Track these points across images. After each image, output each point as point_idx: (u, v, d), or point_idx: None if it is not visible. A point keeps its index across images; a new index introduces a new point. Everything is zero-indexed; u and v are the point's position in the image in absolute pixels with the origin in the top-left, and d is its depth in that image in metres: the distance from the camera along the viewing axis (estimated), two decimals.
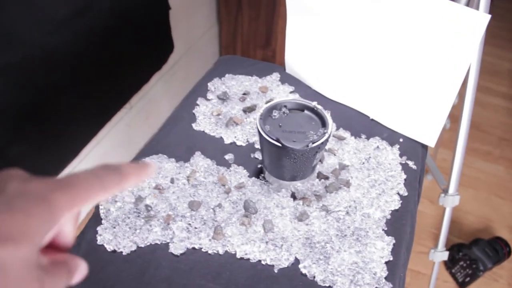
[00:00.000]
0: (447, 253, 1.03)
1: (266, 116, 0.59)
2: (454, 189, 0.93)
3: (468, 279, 1.31)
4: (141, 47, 1.49)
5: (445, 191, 0.94)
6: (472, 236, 1.43)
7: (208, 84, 0.81)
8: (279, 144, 0.55)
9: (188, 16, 1.78)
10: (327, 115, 0.59)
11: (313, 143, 0.55)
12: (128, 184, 0.30)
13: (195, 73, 1.99)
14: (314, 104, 0.61)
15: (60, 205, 0.26)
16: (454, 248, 1.37)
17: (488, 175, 1.74)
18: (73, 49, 1.12)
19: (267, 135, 0.56)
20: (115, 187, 0.29)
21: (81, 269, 0.30)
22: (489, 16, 0.58)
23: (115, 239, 0.58)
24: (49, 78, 1.08)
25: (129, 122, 1.57)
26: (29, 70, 1.00)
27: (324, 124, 0.59)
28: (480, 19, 0.58)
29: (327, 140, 0.57)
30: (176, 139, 0.71)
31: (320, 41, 0.76)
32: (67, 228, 0.30)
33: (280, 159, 0.58)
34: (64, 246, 0.30)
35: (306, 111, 0.61)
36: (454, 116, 0.90)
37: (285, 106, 0.61)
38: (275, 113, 0.60)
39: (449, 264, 1.37)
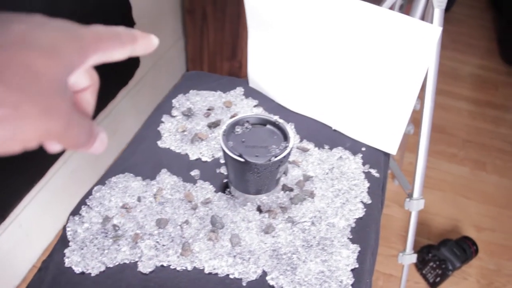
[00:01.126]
0: (415, 255, 1.06)
1: (229, 132, 0.61)
2: (418, 194, 0.96)
3: (438, 279, 1.34)
4: (106, 63, 1.48)
5: (410, 195, 0.97)
6: (441, 237, 1.47)
7: (173, 100, 0.82)
8: (242, 160, 0.56)
9: (153, 30, 1.77)
10: (289, 128, 0.61)
11: (275, 157, 0.57)
12: (139, 47, 0.32)
13: (162, 88, 2.00)
14: (275, 118, 0.62)
15: (88, 40, 0.27)
16: (423, 250, 1.40)
17: (454, 177, 1.79)
18: None
19: (230, 151, 0.57)
20: (129, 44, 0.31)
21: (102, 138, 0.31)
22: (440, 29, 0.61)
23: (83, 260, 0.57)
24: None
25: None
26: None
27: (286, 137, 0.60)
28: (433, 31, 0.61)
29: (289, 154, 0.59)
30: (142, 157, 0.72)
31: (281, 55, 0.78)
32: (87, 97, 0.32)
33: (244, 174, 0.59)
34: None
35: (268, 126, 0.63)
36: (418, 121, 0.93)
37: (248, 122, 0.62)
38: (238, 129, 0.61)
39: (420, 266, 1.40)
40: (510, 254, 1.53)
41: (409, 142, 1.54)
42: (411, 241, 1.02)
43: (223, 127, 0.60)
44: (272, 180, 0.61)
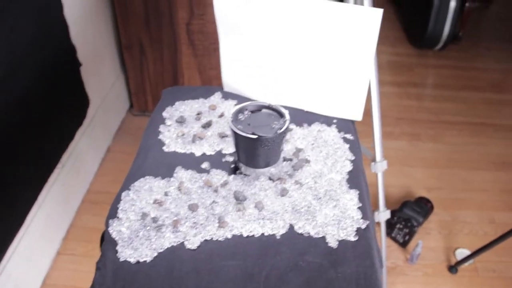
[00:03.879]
0: (388, 211, 1.21)
1: (235, 119, 0.72)
2: (380, 157, 1.12)
3: (407, 237, 1.51)
4: (61, 106, 1.54)
5: (374, 160, 1.12)
6: (399, 204, 1.65)
7: (163, 113, 0.92)
8: (255, 136, 0.68)
9: (95, 69, 1.85)
10: (282, 108, 0.74)
11: (280, 129, 0.69)
12: None
13: (111, 123, 2.06)
14: (268, 103, 0.75)
15: None
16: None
17: (395, 151, 2.00)
18: None
19: (242, 132, 0.69)
20: None
21: None
22: (381, 10, 0.77)
23: (136, 252, 0.66)
24: None
25: (62, 181, 1.60)
26: None
27: (281, 115, 0.73)
28: (376, 12, 0.76)
29: (288, 126, 0.71)
30: (154, 162, 0.81)
31: (250, 55, 0.91)
32: None
33: (255, 149, 0.71)
34: None
35: (263, 110, 0.75)
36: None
37: (247, 109, 0.74)
38: (241, 116, 0.73)
39: (388, 230, 1.56)
40: (459, 204, 1.74)
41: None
42: (382, 199, 1.18)
43: (230, 116, 0.72)
44: (278, 152, 0.73)
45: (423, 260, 1.53)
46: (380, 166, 1.12)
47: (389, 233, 1.57)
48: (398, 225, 1.53)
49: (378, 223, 1.28)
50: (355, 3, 0.98)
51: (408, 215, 1.52)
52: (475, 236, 1.63)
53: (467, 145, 2.05)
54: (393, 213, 1.56)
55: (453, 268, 1.49)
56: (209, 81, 2.04)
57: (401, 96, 2.35)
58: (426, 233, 1.62)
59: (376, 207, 1.24)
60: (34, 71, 1.33)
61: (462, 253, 1.55)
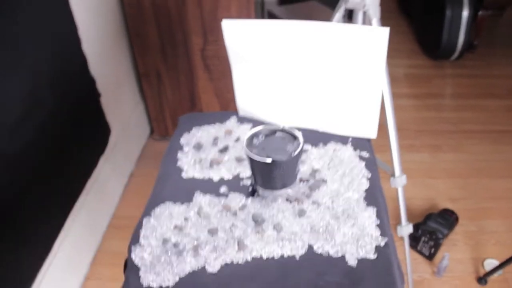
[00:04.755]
0: (411, 225, 1.20)
1: (250, 144, 0.74)
2: (399, 171, 1.12)
3: (433, 250, 1.50)
4: (83, 136, 1.59)
5: (393, 175, 1.12)
6: (423, 216, 1.63)
7: (180, 140, 0.94)
8: (270, 160, 0.69)
9: (115, 98, 1.90)
10: (295, 131, 0.75)
11: (294, 152, 0.70)
12: None
13: (133, 149, 2.10)
14: (282, 126, 0.76)
15: None
16: (413, 229, 1.56)
17: (416, 163, 1.99)
18: (23, 153, 1.22)
19: (257, 156, 0.70)
20: None
21: None
22: (388, 28, 0.78)
23: (158, 277, 0.67)
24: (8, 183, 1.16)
25: (88, 208, 1.63)
26: None
27: (295, 138, 0.74)
28: (382, 31, 0.77)
29: (302, 148, 0.73)
30: (173, 188, 0.83)
31: (263, 80, 0.93)
32: None
33: (271, 172, 0.72)
34: None
35: (277, 133, 0.77)
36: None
37: (261, 133, 0.76)
38: (255, 141, 0.75)
39: (413, 243, 1.55)
40: (485, 214, 1.72)
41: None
42: (404, 214, 1.17)
43: (244, 142, 0.74)
44: (294, 173, 0.75)
45: (451, 273, 1.51)
46: (399, 181, 1.12)
47: (414, 246, 1.56)
48: (423, 238, 1.52)
49: (402, 238, 1.27)
50: (364, 22, 1.00)
51: (433, 227, 1.50)
52: (503, 245, 1.60)
53: (489, 154, 2.02)
54: (417, 226, 1.55)
55: (482, 280, 1.46)
56: (226, 104, 2.07)
57: (419, 108, 2.34)
58: (453, 244, 1.60)
59: (398, 221, 1.23)
60: (55, 103, 1.37)
61: (490, 263, 1.52)
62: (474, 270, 1.52)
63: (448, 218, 1.54)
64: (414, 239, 1.54)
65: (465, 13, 2.43)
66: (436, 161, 2.00)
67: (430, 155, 2.03)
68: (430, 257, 1.52)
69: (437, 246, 1.49)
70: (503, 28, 3.17)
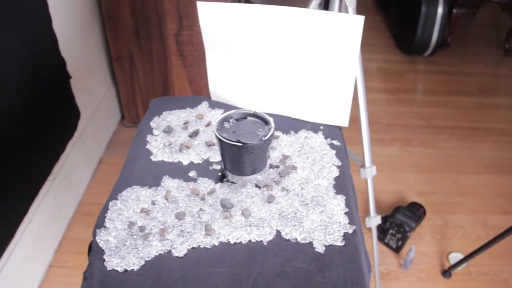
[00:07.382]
0: (379, 217, 1.22)
1: (220, 127, 0.73)
2: (369, 162, 1.12)
3: (400, 242, 1.52)
4: (51, 119, 1.54)
5: (363, 165, 1.13)
6: (392, 209, 1.65)
7: (150, 123, 0.92)
8: (240, 144, 0.68)
9: (86, 82, 1.85)
10: (267, 116, 0.74)
11: (264, 136, 0.69)
12: None
13: (103, 135, 2.06)
14: (254, 111, 0.75)
15: None
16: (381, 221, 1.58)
17: (387, 157, 2.01)
18: None
19: (228, 140, 0.69)
20: None
21: None
22: (363, 17, 0.78)
23: (123, 260, 0.66)
24: None
25: (54, 193, 1.59)
26: None
27: (266, 123, 0.73)
28: (358, 19, 0.77)
29: (273, 133, 0.72)
30: (142, 171, 0.81)
31: (236, 66, 0.92)
32: None
33: (241, 157, 0.71)
34: None
35: (249, 118, 0.75)
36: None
37: (232, 117, 0.75)
38: (226, 124, 0.74)
39: (381, 236, 1.57)
40: (452, 209, 1.75)
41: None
42: (373, 205, 1.18)
43: (215, 124, 0.72)
44: (264, 159, 0.74)
45: (417, 265, 1.54)
46: (369, 172, 1.12)
47: (382, 239, 1.57)
48: (390, 231, 1.54)
49: (370, 229, 1.28)
50: (340, 11, 1.00)
51: (401, 220, 1.52)
52: (468, 240, 1.64)
53: (458, 149, 2.06)
54: (385, 219, 1.57)
55: (446, 273, 1.49)
56: (199, 91, 2.05)
57: (391, 103, 2.36)
58: (419, 238, 1.62)
59: (367, 213, 1.24)
60: (22, 84, 1.33)
61: (455, 257, 1.56)
62: (439, 263, 1.55)
63: (415, 212, 1.56)
64: (381, 232, 1.56)
65: (440, 10, 2.46)
66: (406, 155, 2.03)
67: (400, 149, 2.06)
68: (397, 249, 1.54)
69: (404, 239, 1.51)
70: (476, 26, 3.23)
